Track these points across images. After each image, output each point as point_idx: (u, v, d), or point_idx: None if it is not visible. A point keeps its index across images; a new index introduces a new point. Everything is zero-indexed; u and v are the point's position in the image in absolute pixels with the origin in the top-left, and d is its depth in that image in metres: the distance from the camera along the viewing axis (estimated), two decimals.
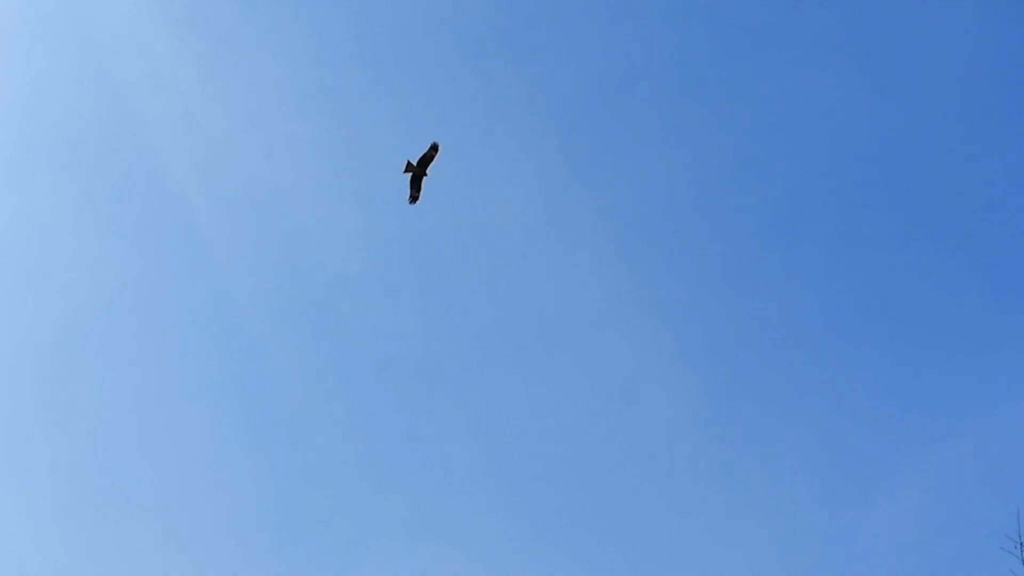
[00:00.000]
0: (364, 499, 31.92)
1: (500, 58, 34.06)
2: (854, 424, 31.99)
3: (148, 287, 33.70)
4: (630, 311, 33.45)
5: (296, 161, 33.69)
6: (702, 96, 34.58)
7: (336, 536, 31.46)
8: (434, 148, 21.11)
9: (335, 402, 32.98)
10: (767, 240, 34.41)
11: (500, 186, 33.83)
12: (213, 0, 33.76)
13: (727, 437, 32.12)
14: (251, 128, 33.90)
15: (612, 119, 34.47)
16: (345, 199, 33.26)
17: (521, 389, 32.38)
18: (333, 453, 32.49)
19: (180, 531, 31.35)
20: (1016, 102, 33.54)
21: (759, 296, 33.73)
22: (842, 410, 32.16)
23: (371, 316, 32.86)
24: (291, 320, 33.32)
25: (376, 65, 34.04)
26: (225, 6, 33.72)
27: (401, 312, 33.01)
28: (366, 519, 31.83)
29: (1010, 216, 33.45)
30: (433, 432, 32.47)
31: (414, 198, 21.41)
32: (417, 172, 21.17)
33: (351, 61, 34.04)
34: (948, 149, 33.85)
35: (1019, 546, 23.81)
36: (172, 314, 33.63)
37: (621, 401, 32.24)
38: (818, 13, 33.80)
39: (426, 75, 33.85)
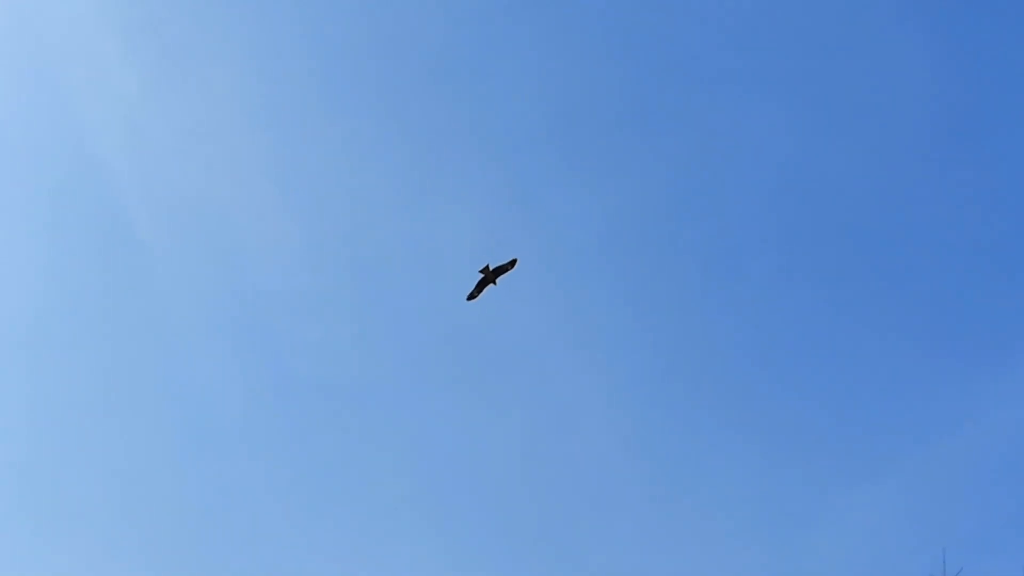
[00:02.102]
0: (289, 523, 31.66)
1: (449, 83, 34.15)
2: (784, 461, 32.20)
3: (81, 296, 33.33)
4: (567, 340, 33.52)
5: (238, 175, 33.51)
6: (647, 128, 34.82)
7: (259, 560, 31.18)
8: (512, 263, 22.22)
9: (266, 421, 32.74)
10: (707, 273, 34.65)
11: (443, 210, 33.83)
12: (161, 7, 33.57)
13: (658, 470, 32.22)
14: (194, 139, 33.69)
15: (558, 148, 34.63)
16: (287, 215, 33.14)
17: (456, 415, 32.31)
18: (260, 474, 32.22)
19: (97, 555, 30.91)
20: (957, 138, 34.05)
21: (696, 329, 33.92)
22: (773, 447, 32.37)
23: (308, 334, 32.68)
24: (226, 336, 33.09)
25: (323, 83, 34.03)
26: (173, 15, 33.56)
27: (338, 332, 32.85)
28: (290, 543, 31.55)
29: (947, 255, 33.92)
30: (364, 456, 32.32)
31: (473, 296, 22.35)
32: (490, 276, 22.23)
33: (298, 77, 33.98)
34: (890, 186, 34.29)
35: None
36: (103, 325, 33.28)
37: (555, 430, 32.27)
38: (764, 49, 34.20)
39: (374, 96, 33.86)
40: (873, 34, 34.19)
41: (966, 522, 29.48)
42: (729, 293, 34.32)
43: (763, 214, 34.36)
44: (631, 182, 34.46)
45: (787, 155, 34.46)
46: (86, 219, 33.52)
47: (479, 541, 31.26)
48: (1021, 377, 31.63)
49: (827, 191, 34.49)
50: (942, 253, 34.09)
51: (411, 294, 33.20)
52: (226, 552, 31.07)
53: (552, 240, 34.10)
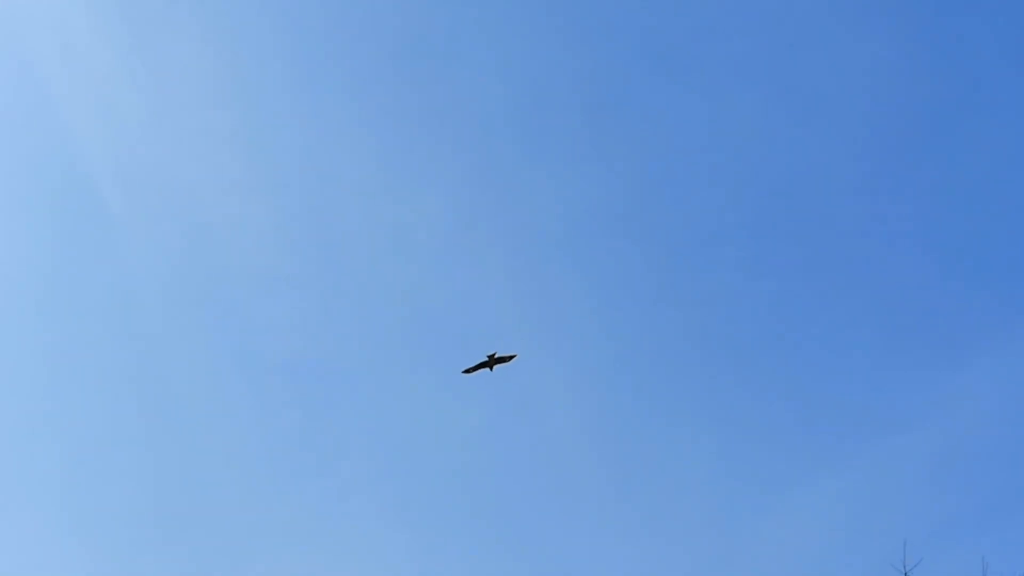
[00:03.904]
0: (253, 498, 31.59)
1: (423, 66, 34.09)
2: (745, 452, 32.39)
3: (48, 268, 33.11)
4: (532, 321, 33.58)
5: (210, 152, 33.37)
6: (616, 116, 34.90)
7: (223, 535, 31.10)
8: (513, 356, 23.88)
9: (231, 397, 32.63)
10: (672, 263, 34.78)
11: (414, 192, 33.81)
12: None
13: (621, 453, 32.33)
14: (166, 116, 33.51)
15: (529, 133, 34.63)
16: (257, 194, 33.03)
17: (421, 394, 32.32)
18: (225, 450, 32.12)
19: (63, 524, 30.74)
20: (930, 134, 34.24)
21: (659, 315, 34.05)
22: (737, 432, 32.55)
23: (275, 312, 32.61)
24: (194, 312, 32.95)
25: (297, 63, 33.91)
26: None
27: (306, 310, 32.80)
28: (255, 518, 31.49)
29: (913, 252, 34.17)
30: (329, 433, 32.28)
31: (468, 371, 23.90)
32: (489, 363, 23.80)
33: (272, 56, 33.85)
34: (860, 180, 34.52)
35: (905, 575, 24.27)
36: (72, 298, 33.06)
37: (519, 411, 32.32)
38: (736, 39, 34.32)
39: (346, 78, 33.78)
40: (846, 25, 34.40)
41: (926, 515, 29.79)
42: (693, 283, 34.49)
43: (731, 204, 34.56)
44: (601, 168, 34.56)
45: (758, 145, 34.63)
46: (57, 192, 33.31)
47: (441, 520, 31.30)
48: (982, 373, 31.98)
49: (796, 183, 34.71)
50: (909, 250, 34.40)
51: (379, 274, 33.21)
52: (185, 527, 30.97)
53: (522, 223, 34.15)
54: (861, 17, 34.14)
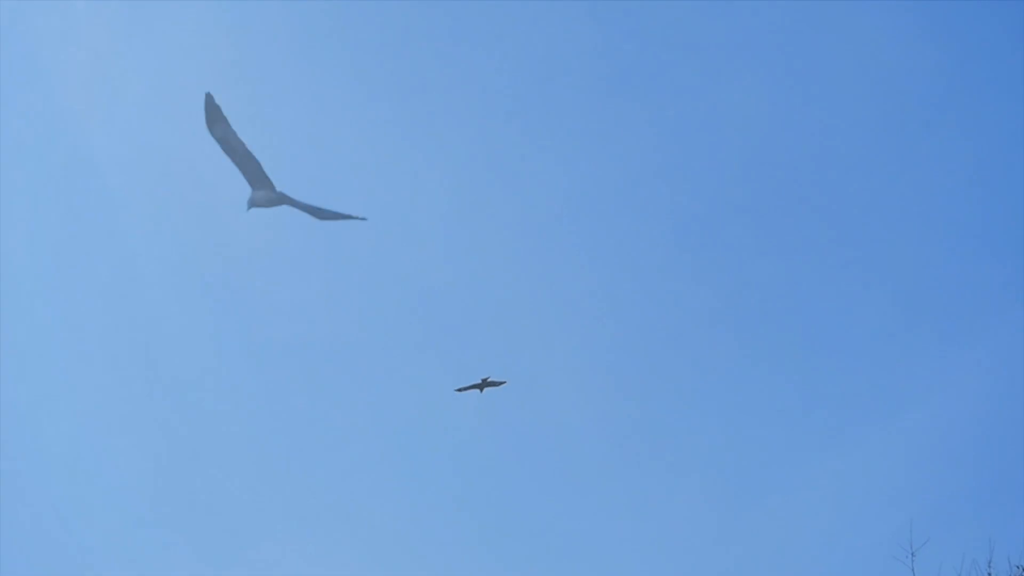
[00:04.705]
0: (254, 485, 31.57)
1: (426, 44, 33.89)
2: (749, 430, 32.28)
3: (51, 252, 33.05)
4: (538, 305, 33.46)
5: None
6: (625, 94, 34.67)
7: (225, 523, 31.10)
8: (503, 383, 25.08)
9: (238, 382, 32.60)
10: (679, 240, 34.59)
11: (417, 173, 33.68)
12: None
13: (625, 435, 32.25)
14: (167, 93, 33.36)
15: (536, 115, 34.45)
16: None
17: (426, 378, 32.23)
18: (227, 435, 32.09)
19: (53, 514, 30.72)
20: (939, 109, 33.99)
21: (664, 296, 33.89)
22: (738, 415, 32.45)
23: (278, 295, 32.51)
24: (196, 294, 32.86)
25: (298, 40, 33.74)
26: None
27: (309, 293, 32.68)
28: (257, 506, 31.49)
29: (920, 227, 33.94)
30: (333, 418, 32.24)
31: (460, 390, 24.98)
32: (480, 386, 24.90)
33: (274, 34, 33.69)
34: (867, 157, 34.27)
35: (911, 556, 24.15)
36: (70, 278, 33.01)
37: (521, 393, 32.16)
38: (748, 18, 34.03)
39: (349, 53, 33.60)
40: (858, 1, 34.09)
41: (933, 494, 29.65)
42: (700, 262, 34.30)
43: (736, 182, 34.33)
44: (610, 149, 34.37)
45: (764, 123, 34.39)
46: (54, 169, 33.22)
47: (442, 500, 31.25)
48: (990, 350, 31.78)
49: (801, 161, 34.47)
50: (916, 225, 34.15)
51: (383, 257, 33.06)
52: (185, 515, 30.99)
53: (528, 206, 34.01)
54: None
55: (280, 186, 13.02)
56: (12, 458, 30.76)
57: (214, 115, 13.34)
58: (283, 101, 33.63)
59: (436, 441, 31.33)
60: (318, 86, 33.85)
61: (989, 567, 23.59)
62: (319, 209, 14.00)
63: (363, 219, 13.45)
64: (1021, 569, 23.50)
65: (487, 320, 32.84)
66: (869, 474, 30.73)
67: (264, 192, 13.54)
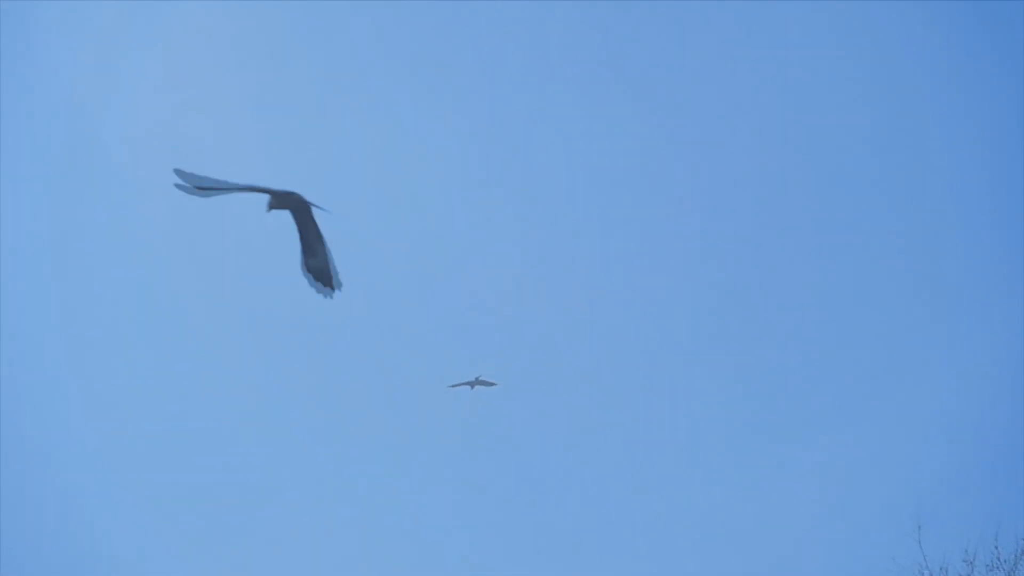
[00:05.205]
0: (261, 462, 31.65)
1: (445, 8, 33.67)
2: (756, 404, 32.30)
3: (56, 228, 33.05)
4: (547, 274, 33.42)
5: (220, 113, 33.23)
6: (635, 70, 34.52)
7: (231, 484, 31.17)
8: (494, 384, 26.18)
9: (240, 352, 32.61)
10: (690, 214, 34.49)
11: (428, 144, 33.66)
12: None
13: (634, 403, 32.25)
14: (175, 74, 33.37)
15: (546, 85, 34.32)
16: (268, 155, 32.87)
17: (433, 346, 32.22)
18: (233, 406, 32.15)
19: (77, 477, 30.87)
20: (963, 78, 33.67)
21: (677, 267, 33.81)
22: (744, 390, 32.45)
23: (286, 276, 32.45)
24: (205, 276, 32.83)
25: (313, 18, 33.67)
26: None
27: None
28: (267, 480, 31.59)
29: (937, 198, 33.71)
30: (338, 387, 32.24)
31: (453, 386, 26.16)
32: (471, 384, 26.13)
33: (285, 14, 33.60)
34: (891, 127, 34.01)
35: (918, 529, 24.13)
36: (80, 255, 33.05)
37: (534, 362, 32.06)
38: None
39: (363, 21, 33.49)
40: None
41: (941, 468, 29.61)
42: (711, 237, 34.19)
43: (749, 157, 34.15)
44: (619, 123, 34.25)
45: (789, 86, 34.09)
46: (62, 151, 33.23)
47: (442, 500, 31.28)
48: (998, 325, 31.68)
49: (819, 136, 34.25)
50: (932, 197, 33.95)
51: (388, 226, 33.04)
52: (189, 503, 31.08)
53: (540, 167, 33.93)
54: None
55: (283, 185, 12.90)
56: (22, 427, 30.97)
57: (191, 187, 13.02)
58: (296, 81, 33.67)
59: (435, 436, 31.36)
60: (335, 61, 33.87)
61: (995, 542, 23.58)
62: (304, 201, 13.78)
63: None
64: None
65: (495, 293, 32.87)
66: (877, 448, 30.71)
67: (276, 196, 13.47)
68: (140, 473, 30.67)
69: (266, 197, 12.85)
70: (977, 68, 32.96)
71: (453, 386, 25.95)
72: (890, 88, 33.69)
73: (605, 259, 33.52)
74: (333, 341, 32.08)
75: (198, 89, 33.22)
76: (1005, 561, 23.33)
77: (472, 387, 25.82)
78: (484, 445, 30.80)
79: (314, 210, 13.30)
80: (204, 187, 12.97)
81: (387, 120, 33.60)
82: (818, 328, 33.15)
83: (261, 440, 31.67)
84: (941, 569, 23.38)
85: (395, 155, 33.56)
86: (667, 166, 33.97)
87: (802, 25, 33.44)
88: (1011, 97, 32.30)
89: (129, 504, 30.39)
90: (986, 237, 33.11)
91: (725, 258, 33.50)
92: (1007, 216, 32.62)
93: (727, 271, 33.39)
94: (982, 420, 30.03)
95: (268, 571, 29.86)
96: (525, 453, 31.39)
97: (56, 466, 30.38)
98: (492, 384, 25.93)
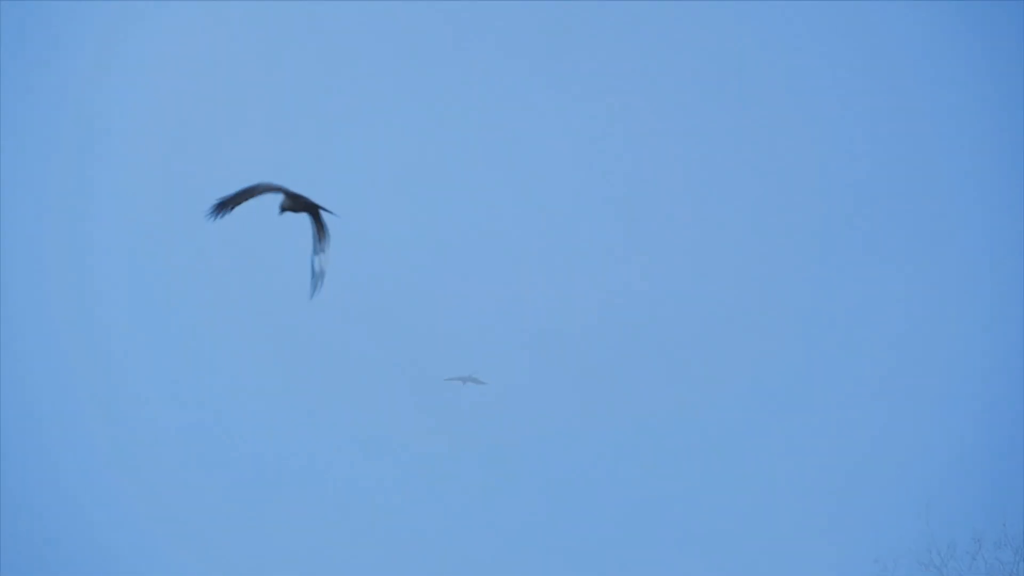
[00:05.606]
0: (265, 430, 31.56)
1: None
2: (773, 386, 32.24)
3: (56, 228, 32.98)
4: (552, 240, 33.26)
5: (223, 91, 33.17)
6: (632, 43, 34.37)
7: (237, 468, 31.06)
8: (485, 383, 28.77)
9: (236, 328, 32.49)
10: (695, 188, 34.38)
11: (427, 122, 33.53)
12: None
13: (634, 372, 32.16)
14: (177, 52, 33.29)
15: (544, 60, 34.20)
16: (271, 133, 32.80)
17: (435, 318, 32.13)
18: (229, 382, 32.03)
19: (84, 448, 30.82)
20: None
21: (681, 236, 33.70)
22: (752, 357, 32.34)
23: (289, 250, 32.41)
24: (205, 275, 32.77)
25: (313, 18, 33.56)
26: None
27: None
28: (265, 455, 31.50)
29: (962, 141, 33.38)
30: (337, 364, 32.15)
31: (448, 380, 28.57)
32: (463, 380, 28.63)
33: (285, 14, 33.48)
34: (886, 101, 33.85)
35: (926, 508, 24.08)
36: (81, 256, 32.97)
37: (532, 369, 32.07)
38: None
39: (373, 10, 33.40)
40: None
41: (946, 445, 29.54)
42: (712, 209, 34.05)
43: (749, 120, 33.92)
44: (617, 96, 34.11)
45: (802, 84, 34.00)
46: (63, 129, 33.15)
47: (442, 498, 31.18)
48: (1009, 311, 31.58)
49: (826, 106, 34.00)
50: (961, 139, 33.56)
51: (390, 202, 32.97)
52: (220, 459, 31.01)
53: (535, 151, 33.76)
54: None
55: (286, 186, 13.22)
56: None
57: (224, 208, 13.55)
58: (305, 58, 33.54)
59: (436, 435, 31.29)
60: (330, 34, 33.73)
61: (1003, 520, 23.56)
62: (314, 205, 14.10)
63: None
64: None
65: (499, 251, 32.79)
66: (886, 427, 30.65)
67: (287, 199, 13.92)
68: (140, 473, 30.72)
69: (279, 200, 13.30)
70: (977, 68, 32.85)
71: (448, 379, 28.26)
72: (892, 88, 33.64)
73: (605, 258, 33.51)
74: (334, 341, 32.12)
75: (198, 88, 33.24)
76: (1013, 539, 23.29)
77: (464, 383, 28.10)
78: (485, 445, 30.84)
79: (322, 213, 13.76)
80: (226, 202, 13.36)
81: (387, 120, 33.60)
82: (824, 305, 33.09)
83: (261, 440, 31.68)
84: (949, 547, 23.33)
85: (395, 155, 33.57)
86: (668, 164, 33.98)
87: (802, 25, 33.41)
88: (1012, 97, 32.23)
89: (129, 504, 30.40)
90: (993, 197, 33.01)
91: (725, 259, 33.50)
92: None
93: (727, 271, 33.40)
94: (991, 402, 29.97)
95: (268, 571, 29.91)
96: (529, 449, 31.41)
97: (56, 466, 30.42)
98: (482, 383, 28.29)
